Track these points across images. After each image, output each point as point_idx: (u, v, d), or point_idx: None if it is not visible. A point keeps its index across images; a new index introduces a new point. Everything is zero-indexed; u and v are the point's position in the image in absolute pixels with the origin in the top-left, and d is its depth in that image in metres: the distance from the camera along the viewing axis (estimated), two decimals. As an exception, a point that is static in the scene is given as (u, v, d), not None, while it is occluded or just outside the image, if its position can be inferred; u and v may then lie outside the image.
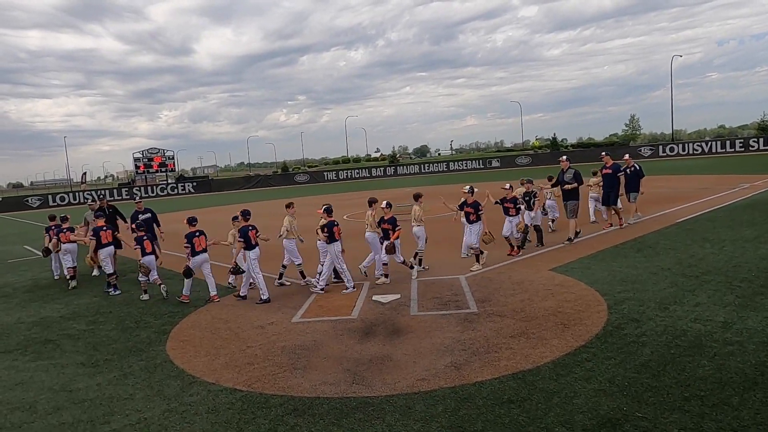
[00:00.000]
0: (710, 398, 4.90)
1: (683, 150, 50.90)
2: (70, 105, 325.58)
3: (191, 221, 10.17)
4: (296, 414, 5.24)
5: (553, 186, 13.61)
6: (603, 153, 14.94)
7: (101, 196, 14.43)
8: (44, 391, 6.34)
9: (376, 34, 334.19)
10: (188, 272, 9.92)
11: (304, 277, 10.48)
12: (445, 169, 59.31)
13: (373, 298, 9.15)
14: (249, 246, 9.55)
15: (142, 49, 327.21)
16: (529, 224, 12.28)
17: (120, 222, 13.48)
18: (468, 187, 10.87)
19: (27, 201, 51.05)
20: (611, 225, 14.19)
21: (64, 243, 12.36)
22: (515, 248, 11.75)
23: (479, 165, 59.36)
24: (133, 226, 11.69)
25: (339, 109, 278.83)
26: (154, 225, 12.67)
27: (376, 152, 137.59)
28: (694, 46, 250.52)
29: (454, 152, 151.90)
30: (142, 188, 55.86)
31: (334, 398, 5.51)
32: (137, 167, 60.20)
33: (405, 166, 65.45)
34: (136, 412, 5.55)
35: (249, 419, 5.22)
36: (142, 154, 59.85)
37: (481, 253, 10.79)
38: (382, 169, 63.56)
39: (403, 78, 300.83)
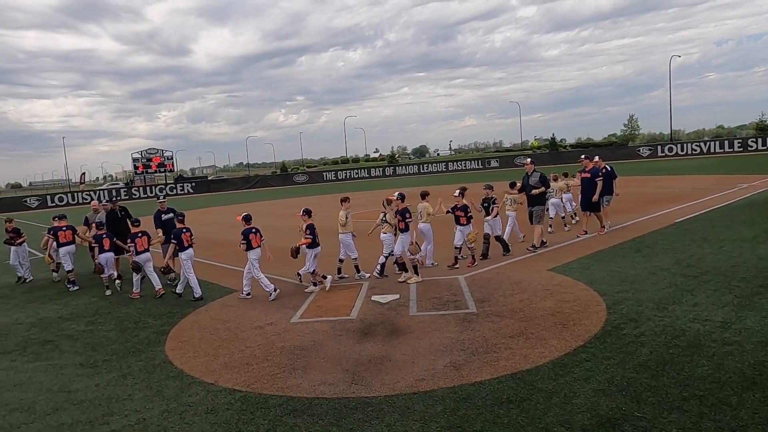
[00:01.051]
0: (709, 398, 4.90)
1: (682, 150, 50.92)
2: (68, 105, 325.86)
3: (134, 223, 10.89)
4: (295, 414, 5.24)
5: (519, 191, 12.41)
6: (582, 156, 13.92)
7: (114, 198, 14.11)
8: (43, 391, 6.33)
9: (374, 34, 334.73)
10: (137, 267, 10.75)
11: (358, 271, 10.69)
12: (444, 170, 59.30)
13: (372, 298, 9.15)
14: (182, 248, 10.10)
15: (139, 49, 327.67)
16: (490, 233, 11.45)
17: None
18: (398, 193, 10.47)
19: (26, 201, 50.97)
20: (586, 232, 13.26)
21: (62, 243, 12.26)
22: (472, 258, 10.91)
23: (478, 165, 59.33)
24: (93, 224, 11.70)
25: (337, 109, 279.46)
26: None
27: (375, 152, 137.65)
28: (692, 46, 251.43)
29: (453, 152, 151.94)
30: (141, 188, 55.83)
31: (333, 398, 5.51)
32: (136, 167, 60.05)
33: (404, 167, 65.42)
34: (135, 413, 5.55)
35: (248, 419, 5.22)
36: (141, 154, 59.72)
37: (415, 269, 10.14)
38: (381, 169, 63.53)
39: (402, 78, 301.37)
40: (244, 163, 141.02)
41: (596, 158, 13.70)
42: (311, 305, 9.11)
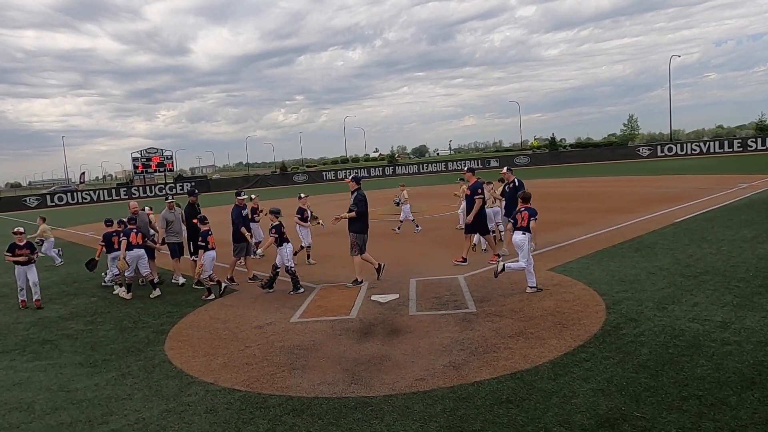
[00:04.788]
0: (708, 398, 4.91)
1: (681, 150, 50.97)
2: (66, 105, 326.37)
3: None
4: (295, 414, 5.24)
5: (349, 211, 10.27)
6: (466, 169, 12.20)
7: (194, 191, 12.21)
8: (42, 391, 6.33)
9: (374, 34, 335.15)
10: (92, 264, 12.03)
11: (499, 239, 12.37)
12: (443, 169, 59.31)
13: (372, 297, 9.15)
14: (110, 249, 11.19)
15: (138, 48, 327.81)
16: (279, 264, 10.07)
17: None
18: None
19: (25, 201, 50.94)
20: (498, 256, 10.90)
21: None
22: (208, 291, 9.96)
23: (478, 165, 59.19)
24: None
25: (337, 109, 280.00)
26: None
27: (374, 152, 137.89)
28: (692, 46, 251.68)
29: (452, 152, 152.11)
30: (140, 188, 55.76)
31: (332, 398, 5.51)
32: (136, 167, 59.91)
33: (404, 166, 65.46)
34: (134, 413, 5.55)
35: (247, 419, 5.22)
36: (141, 154, 59.61)
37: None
38: (380, 168, 63.56)
39: (401, 78, 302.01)
40: (244, 163, 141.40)
41: (504, 170, 12.21)
42: (311, 305, 9.11)
